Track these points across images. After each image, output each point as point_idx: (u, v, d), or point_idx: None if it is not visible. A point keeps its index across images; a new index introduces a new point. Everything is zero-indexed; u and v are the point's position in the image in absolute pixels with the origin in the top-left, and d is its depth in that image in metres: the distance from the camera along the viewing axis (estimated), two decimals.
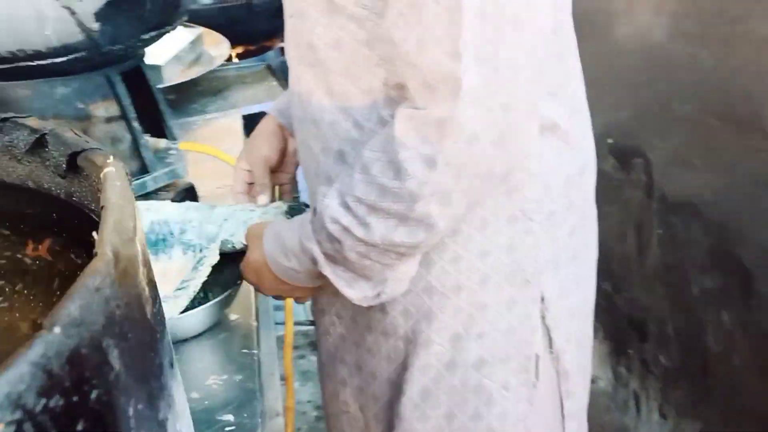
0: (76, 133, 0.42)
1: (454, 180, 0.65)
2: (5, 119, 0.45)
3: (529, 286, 0.77)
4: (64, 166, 0.40)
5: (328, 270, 0.73)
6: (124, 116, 1.19)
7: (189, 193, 1.06)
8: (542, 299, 0.78)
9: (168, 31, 1.23)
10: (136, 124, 1.20)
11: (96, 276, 0.23)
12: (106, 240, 0.25)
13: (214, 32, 2.03)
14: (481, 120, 0.63)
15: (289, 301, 1.36)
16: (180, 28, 1.95)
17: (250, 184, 0.97)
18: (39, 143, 0.43)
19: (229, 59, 2.69)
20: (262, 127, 0.98)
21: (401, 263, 0.72)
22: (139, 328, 0.27)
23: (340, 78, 0.74)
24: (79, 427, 0.21)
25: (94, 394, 0.22)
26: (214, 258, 0.81)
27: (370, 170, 0.68)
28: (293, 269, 0.76)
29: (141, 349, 0.27)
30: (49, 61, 1.06)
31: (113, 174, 0.33)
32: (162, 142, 1.32)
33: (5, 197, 0.46)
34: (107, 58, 1.13)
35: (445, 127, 0.63)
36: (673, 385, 1.40)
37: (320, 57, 0.74)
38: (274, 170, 0.98)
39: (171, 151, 1.31)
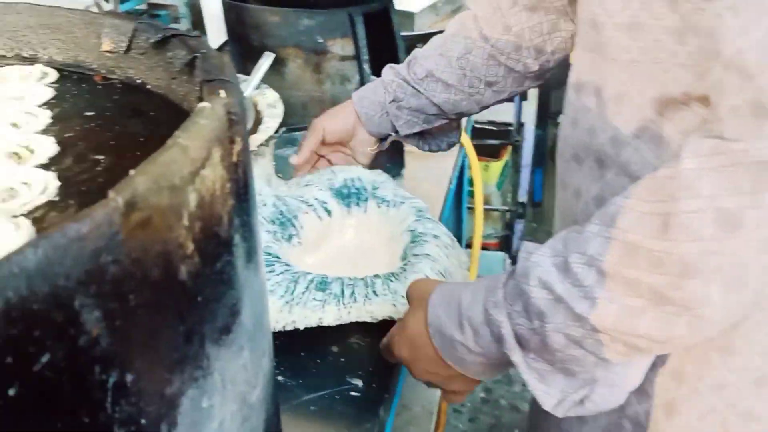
0: (221, 62, 0.39)
1: (757, 250, 0.44)
2: (174, 35, 0.45)
3: None
4: (197, 91, 0.38)
5: (517, 355, 0.53)
6: (357, 56, 1.20)
7: (394, 145, 1.04)
8: None
9: None
10: (366, 66, 1.20)
11: (82, 223, 0.20)
12: (125, 185, 0.22)
13: None
14: None
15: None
16: None
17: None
18: (191, 64, 0.42)
19: None
20: (343, 121, 0.90)
21: (628, 365, 0.53)
22: (153, 289, 0.23)
23: (622, 73, 0.56)
24: (11, 392, 0.18)
25: (44, 358, 0.19)
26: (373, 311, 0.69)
27: (617, 221, 0.48)
28: (465, 346, 0.56)
29: (154, 313, 0.24)
30: None
31: (205, 111, 0.29)
32: None
33: (159, 110, 0.46)
34: None
35: None
36: None
37: (604, 40, 0.57)
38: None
39: None
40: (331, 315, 0.68)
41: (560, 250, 0.52)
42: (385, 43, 1.34)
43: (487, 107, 0.89)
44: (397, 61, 1.41)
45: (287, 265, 0.75)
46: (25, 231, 0.30)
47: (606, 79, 0.58)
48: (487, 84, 0.85)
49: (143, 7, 1.61)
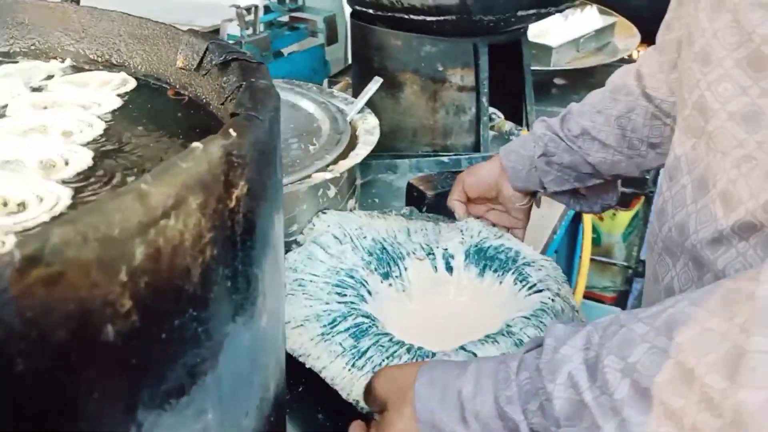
0: (264, 95, 0.37)
1: None
2: (236, 59, 0.43)
3: None
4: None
5: None
6: (476, 88, 1.15)
7: None
8: None
9: (552, 13, 1.14)
10: (484, 99, 1.16)
11: None
12: (34, 236, 0.19)
13: (629, 23, 1.85)
14: None
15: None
16: (593, 13, 1.83)
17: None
18: (237, 90, 0.40)
19: None
20: (485, 175, 0.85)
21: None
22: (55, 353, 0.21)
23: (732, 169, 0.49)
24: None
25: None
26: None
27: (675, 332, 0.39)
28: None
29: (51, 379, 0.21)
30: (421, 17, 1.08)
31: (193, 153, 0.27)
32: (507, 125, 1.25)
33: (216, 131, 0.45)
34: (477, 27, 1.10)
35: None
36: None
37: (711, 129, 0.50)
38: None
39: (512, 137, 1.24)
40: (331, 372, 0.61)
41: (595, 344, 0.44)
42: (513, 76, 1.28)
43: (649, 170, 0.81)
44: (522, 95, 1.35)
45: (360, 295, 0.69)
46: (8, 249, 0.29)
47: (710, 173, 0.51)
48: (650, 146, 0.77)
49: (285, 19, 1.66)
